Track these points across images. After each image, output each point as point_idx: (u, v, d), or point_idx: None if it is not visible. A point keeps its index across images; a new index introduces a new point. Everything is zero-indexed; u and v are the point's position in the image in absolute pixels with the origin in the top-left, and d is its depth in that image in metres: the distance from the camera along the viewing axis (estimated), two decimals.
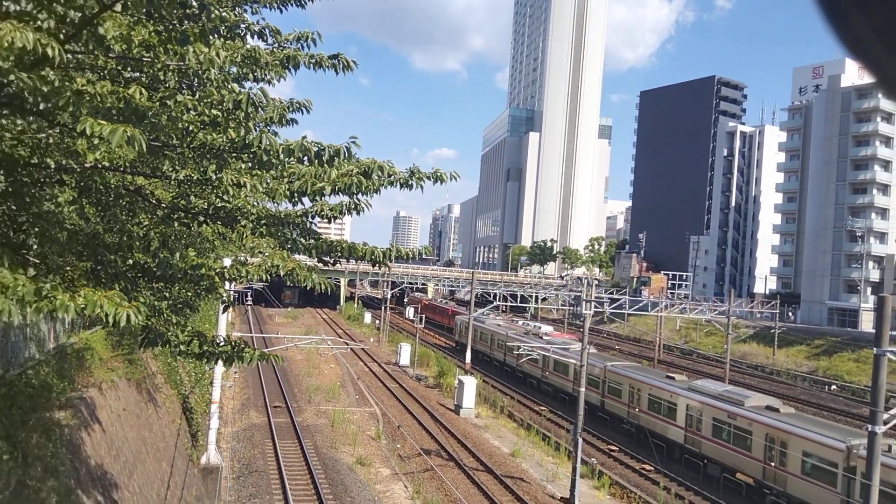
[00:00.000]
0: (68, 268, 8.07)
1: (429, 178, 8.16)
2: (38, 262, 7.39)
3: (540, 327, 73.05)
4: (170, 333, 8.55)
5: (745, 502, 28.85)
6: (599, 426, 39.43)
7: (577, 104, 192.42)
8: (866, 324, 75.40)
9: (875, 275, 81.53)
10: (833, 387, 58.40)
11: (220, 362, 9.06)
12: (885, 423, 18.10)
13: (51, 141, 6.91)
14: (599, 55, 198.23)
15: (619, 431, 38.24)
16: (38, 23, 5.34)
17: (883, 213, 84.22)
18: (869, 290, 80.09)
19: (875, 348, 17.38)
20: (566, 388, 45.01)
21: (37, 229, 7.39)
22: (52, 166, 7.01)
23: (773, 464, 27.42)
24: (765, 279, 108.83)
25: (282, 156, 7.14)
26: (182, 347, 8.56)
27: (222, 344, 8.86)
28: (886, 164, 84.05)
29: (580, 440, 27.20)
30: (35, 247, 7.51)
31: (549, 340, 51.08)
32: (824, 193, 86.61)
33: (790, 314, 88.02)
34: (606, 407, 40.43)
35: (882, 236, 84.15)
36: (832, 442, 25.08)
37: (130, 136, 5.29)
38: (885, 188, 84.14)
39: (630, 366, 43.16)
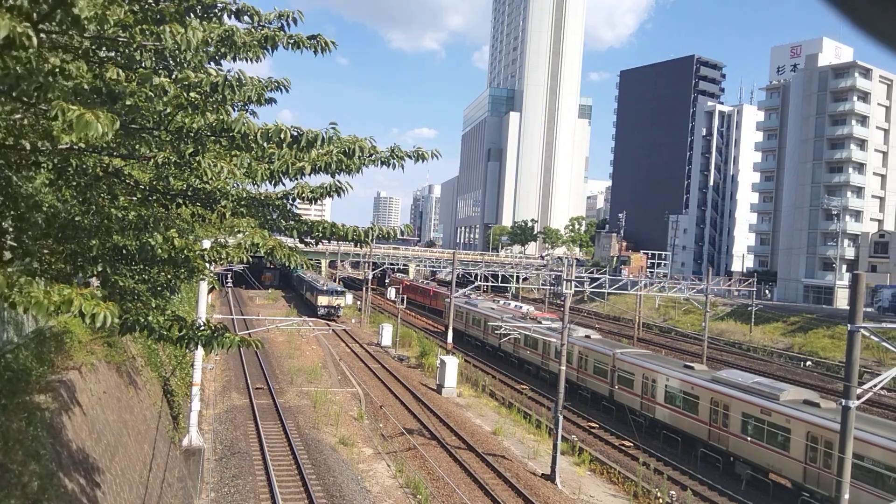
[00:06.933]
0: (46, 251, 8.00)
1: (410, 156, 8.11)
2: (14, 245, 7.32)
3: (521, 307, 73.46)
4: (150, 318, 8.45)
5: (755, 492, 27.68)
6: (580, 403, 39.83)
7: (558, 84, 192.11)
8: (841, 301, 76.65)
9: (850, 252, 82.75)
10: (808, 363, 59.44)
11: (201, 346, 8.99)
12: (859, 397, 18.51)
13: (25, 122, 6.80)
14: (579, 34, 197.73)
15: (628, 423, 35.12)
16: (11, 1, 5.23)
17: (858, 191, 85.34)
18: (844, 267, 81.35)
19: (849, 325, 17.69)
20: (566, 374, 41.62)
21: (13, 213, 7.29)
22: (28, 148, 6.91)
23: (816, 465, 24.93)
24: (742, 258, 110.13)
25: (259, 140, 7.09)
26: (163, 332, 8.47)
27: (202, 328, 8.78)
28: (862, 143, 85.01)
29: (561, 417, 27.54)
30: (11, 230, 7.43)
31: (549, 326, 46.86)
32: (801, 172, 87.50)
33: (767, 292, 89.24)
34: (616, 398, 37.67)
35: (857, 214, 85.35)
36: (893, 444, 22.54)
37: (94, 124, 5.18)
38: (860, 167, 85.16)
39: (642, 353, 40.32)
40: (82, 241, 8.27)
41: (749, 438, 28.19)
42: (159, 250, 7.97)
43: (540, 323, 49.82)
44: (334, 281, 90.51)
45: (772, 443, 27.10)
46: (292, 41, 7.66)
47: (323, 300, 73.91)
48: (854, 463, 22.90)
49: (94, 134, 5.21)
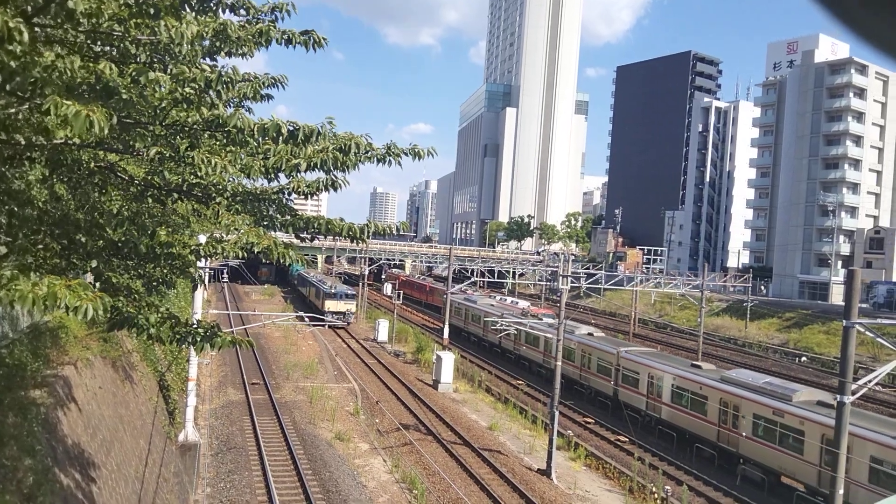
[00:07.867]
0: (40, 247, 7.96)
1: (406, 153, 8.07)
2: (9, 240, 7.28)
3: (518, 302, 73.55)
4: (140, 316, 8.32)
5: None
6: (578, 400, 39.85)
7: (554, 79, 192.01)
8: (836, 297, 76.82)
9: (846, 249, 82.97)
10: (803, 358, 59.61)
11: (192, 347, 8.91)
12: (854, 393, 18.57)
13: (20, 116, 6.76)
14: (576, 30, 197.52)
15: (624, 419, 33.93)
16: None
17: (854, 187, 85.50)
18: (839, 263, 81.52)
19: (845, 320, 17.75)
20: (568, 372, 40.60)
21: (6, 208, 7.26)
22: (22, 143, 6.88)
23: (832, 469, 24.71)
24: (738, 253, 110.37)
25: (256, 135, 7.06)
26: (152, 330, 8.31)
27: (195, 327, 8.72)
28: (858, 140, 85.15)
29: (556, 413, 27.59)
30: (4, 226, 7.39)
31: (550, 323, 46.31)
32: (797, 168, 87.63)
33: (762, 288, 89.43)
34: (620, 397, 36.71)
35: (853, 211, 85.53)
36: None
37: (92, 121, 5.14)
38: (856, 163, 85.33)
39: (647, 352, 39.66)
40: (76, 236, 8.23)
41: (758, 440, 27.49)
42: (142, 246, 7.93)
43: (541, 320, 49.67)
44: (332, 276, 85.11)
45: (784, 445, 26.27)
46: (285, 37, 7.63)
47: (331, 304, 63.88)
48: (875, 468, 22.62)
49: (93, 131, 5.19)
